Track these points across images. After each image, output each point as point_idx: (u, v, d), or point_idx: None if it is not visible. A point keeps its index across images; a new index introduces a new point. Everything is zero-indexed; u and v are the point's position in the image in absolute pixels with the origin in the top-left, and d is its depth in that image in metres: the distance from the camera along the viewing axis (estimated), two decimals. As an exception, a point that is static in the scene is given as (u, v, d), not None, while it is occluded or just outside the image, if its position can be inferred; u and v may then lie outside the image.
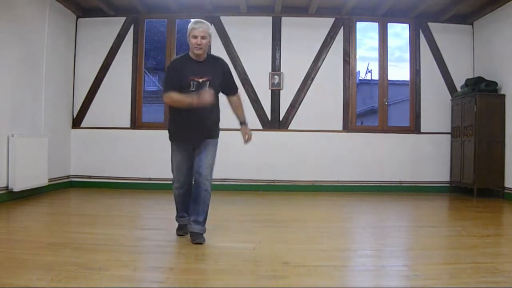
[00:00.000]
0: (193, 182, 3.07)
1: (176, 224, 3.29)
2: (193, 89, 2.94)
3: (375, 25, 6.41)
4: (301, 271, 2.43)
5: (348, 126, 6.27)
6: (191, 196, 3.10)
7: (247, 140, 3.17)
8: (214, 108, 3.07)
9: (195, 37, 2.90)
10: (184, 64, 3.01)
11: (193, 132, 3.02)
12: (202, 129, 3.02)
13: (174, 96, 2.95)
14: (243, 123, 3.20)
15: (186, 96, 2.90)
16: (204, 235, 2.99)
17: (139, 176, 6.19)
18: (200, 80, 2.95)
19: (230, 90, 3.18)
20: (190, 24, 2.97)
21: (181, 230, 3.22)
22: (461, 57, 6.29)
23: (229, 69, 3.18)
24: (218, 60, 3.16)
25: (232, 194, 5.63)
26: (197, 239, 2.94)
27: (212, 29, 3.07)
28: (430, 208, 4.91)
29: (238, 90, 3.23)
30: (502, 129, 5.50)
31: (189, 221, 3.03)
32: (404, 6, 5.98)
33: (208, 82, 2.96)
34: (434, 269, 2.46)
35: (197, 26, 2.91)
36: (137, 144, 6.22)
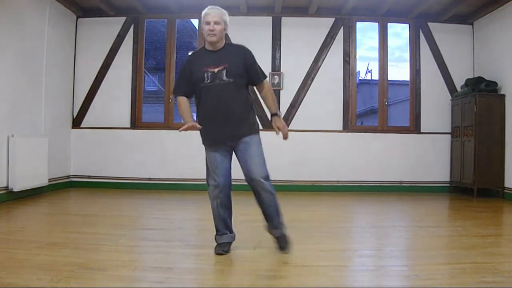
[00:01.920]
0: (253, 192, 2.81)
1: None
2: (208, 81, 2.65)
3: (375, 25, 6.41)
4: (301, 271, 2.43)
5: (348, 126, 6.27)
6: (231, 208, 2.85)
7: (283, 135, 2.79)
8: (239, 103, 2.71)
9: (208, 23, 2.66)
10: (198, 57, 2.78)
11: (222, 132, 2.70)
12: (230, 127, 2.68)
13: (180, 109, 2.78)
14: (274, 114, 2.79)
15: (188, 118, 2.72)
16: (286, 233, 2.82)
17: (139, 176, 6.19)
18: (216, 70, 2.65)
19: (256, 79, 2.79)
20: (203, 11, 2.73)
21: (221, 248, 2.75)
22: (461, 57, 6.29)
23: (252, 56, 2.78)
24: (239, 47, 2.81)
25: (233, 194, 5.61)
26: (283, 246, 2.77)
27: (227, 17, 2.75)
28: (430, 208, 4.90)
29: (266, 78, 2.85)
30: (502, 129, 5.50)
31: (267, 228, 2.83)
32: (404, 6, 5.98)
33: (225, 71, 2.64)
34: (434, 269, 2.46)
35: (210, 12, 2.68)
36: (137, 144, 6.22)
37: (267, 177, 2.71)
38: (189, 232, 3.63)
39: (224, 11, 2.75)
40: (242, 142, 2.71)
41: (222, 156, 2.74)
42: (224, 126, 2.68)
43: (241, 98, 2.73)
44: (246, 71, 2.73)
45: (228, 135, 2.70)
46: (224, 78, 2.65)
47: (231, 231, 2.84)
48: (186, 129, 2.63)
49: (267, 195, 2.71)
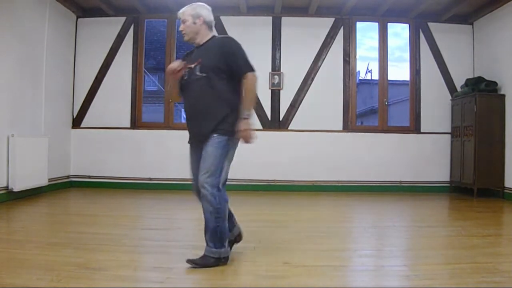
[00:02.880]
0: None
1: None
2: (186, 78, 2.58)
3: (375, 25, 6.41)
4: (301, 271, 2.43)
5: (348, 126, 6.27)
6: None
7: (242, 138, 2.51)
8: (211, 99, 2.50)
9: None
10: (187, 55, 2.72)
11: (193, 129, 2.60)
12: (198, 124, 2.53)
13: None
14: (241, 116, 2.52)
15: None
16: (209, 257, 2.47)
17: (139, 176, 6.19)
18: (192, 66, 2.54)
19: (237, 70, 2.51)
20: None
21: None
22: (461, 57, 6.29)
23: (233, 46, 2.56)
24: (220, 38, 2.67)
25: (232, 194, 5.62)
26: (195, 263, 2.46)
27: (202, 8, 2.65)
28: (430, 208, 4.90)
29: (252, 72, 2.52)
30: (502, 129, 5.49)
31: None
32: (404, 6, 5.98)
33: (199, 66, 2.51)
34: (434, 269, 2.46)
35: (179, 14, 2.65)
36: (137, 144, 6.22)
37: (212, 184, 2.43)
38: (189, 232, 3.63)
39: (195, 4, 2.65)
40: (207, 141, 2.50)
41: (195, 157, 2.60)
42: (194, 122, 2.57)
43: (215, 94, 2.50)
44: (224, 62, 2.51)
45: (196, 132, 2.58)
46: (198, 73, 2.52)
47: None
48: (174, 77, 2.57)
49: (204, 204, 2.47)
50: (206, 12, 2.66)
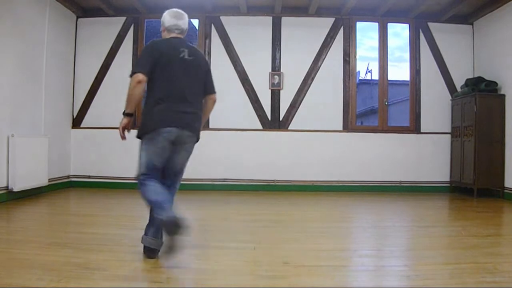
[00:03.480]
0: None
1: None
2: None
3: (375, 25, 6.41)
4: (301, 271, 2.43)
5: (348, 126, 6.27)
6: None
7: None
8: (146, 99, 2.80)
9: None
10: None
11: None
12: None
13: None
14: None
15: None
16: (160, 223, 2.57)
17: (139, 176, 6.18)
18: None
19: None
20: None
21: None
22: (461, 57, 6.30)
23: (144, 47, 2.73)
24: None
25: (232, 194, 5.64)
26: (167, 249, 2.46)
27: (165, 15, 2.74)
28: (430, 208, 4.90)
29: (132, 75, 2.60)
30: (502, 129, 5.50)
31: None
32: (404, 6, 5.98)
33: None
34: (434, 269, 2.46)
35: None
36: (137, 144, 6.20)
37: (136, 177, 2.84)
38: (189, 232, 3.63)
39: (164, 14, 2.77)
40: None
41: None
42: None
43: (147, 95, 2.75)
44: None
45: None
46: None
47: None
48: None
49: None
50: (167, 18, 2.74)
